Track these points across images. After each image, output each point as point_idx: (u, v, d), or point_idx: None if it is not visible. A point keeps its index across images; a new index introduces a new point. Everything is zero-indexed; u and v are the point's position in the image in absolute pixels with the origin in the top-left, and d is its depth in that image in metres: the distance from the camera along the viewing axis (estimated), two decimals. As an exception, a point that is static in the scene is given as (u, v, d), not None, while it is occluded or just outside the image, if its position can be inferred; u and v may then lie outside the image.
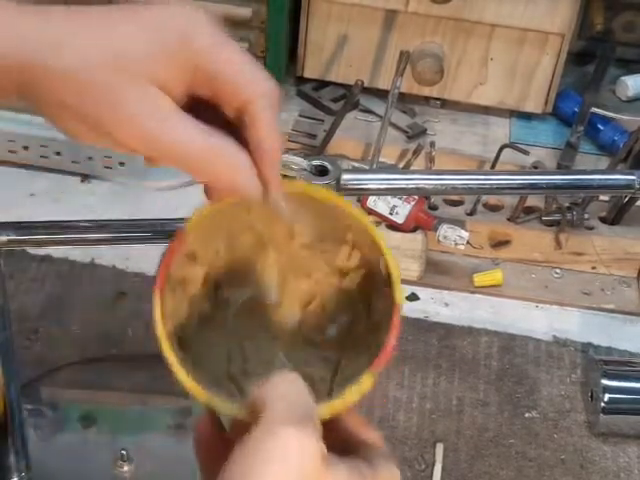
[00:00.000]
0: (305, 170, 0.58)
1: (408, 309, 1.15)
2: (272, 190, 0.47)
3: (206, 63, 0.45)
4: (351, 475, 0.43)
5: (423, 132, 1.30)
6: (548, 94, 1.30)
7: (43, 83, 0.44)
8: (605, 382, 1.01)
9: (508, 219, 1.22)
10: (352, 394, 0.45)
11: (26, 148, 1.26)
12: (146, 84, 0.44)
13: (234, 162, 0.46)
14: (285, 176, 1.24)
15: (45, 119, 0.45)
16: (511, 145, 1.22)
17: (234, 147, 0.46)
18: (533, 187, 0.62)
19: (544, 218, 1.22)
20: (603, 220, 1.23)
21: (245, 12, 1.20)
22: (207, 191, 0.48)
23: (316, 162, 0.58)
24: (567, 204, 1.21)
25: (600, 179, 0.63)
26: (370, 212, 1.16)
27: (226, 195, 0.48)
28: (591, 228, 1.22)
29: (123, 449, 0.93)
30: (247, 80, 0.45)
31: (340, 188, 0.59)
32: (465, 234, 1.13)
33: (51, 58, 0.43)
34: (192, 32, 0.44)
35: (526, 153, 1.20)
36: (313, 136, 1.26)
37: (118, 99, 0.43)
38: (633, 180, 0.61)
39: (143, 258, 1.17)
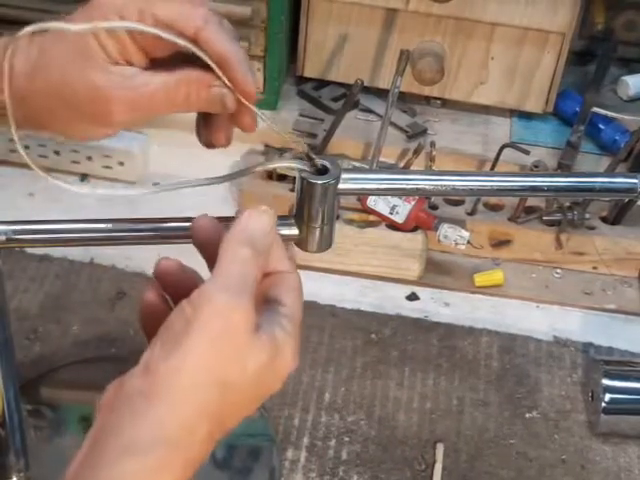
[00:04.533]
0: (305, 170, 0.58)
1: (408, 309, 1.15)
2: (248, 89, 0.54)
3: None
4: (272, 346, 0.46)
5: (423, 132, 1.30)
6: (549, 93, 1.30)
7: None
8: (606, 382, 1.01)
9: (509, 219, 1.22)
10: None
11: (25, 148, 1.26)
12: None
13: (200, 77, 0.53)
14: (285, 176, 1.24)
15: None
16: (512, 145, 1.22)
17: (195, 70, 0.53)
18: (534, 189, 0.62)
19: (545, 218, 1.21)
20: (604, 220, 1.23)
21: (245, 11, 1.20)
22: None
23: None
24: (568, 204, 1.20)
25: (602, 182, 0.62)
26: (370, 212, 1.16)
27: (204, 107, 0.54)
28: (592, 228, 1.22)
29: (123, 449, 0.92)
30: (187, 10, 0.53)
31: (340, 188, 0.58)
32: (466, 234, 1.12)
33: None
34: None
35: (527, 153, 1.20)
36: (313, 136, 1.26)
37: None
38: (635, 184, 0.61)
39: (143, 258, 1.17)
